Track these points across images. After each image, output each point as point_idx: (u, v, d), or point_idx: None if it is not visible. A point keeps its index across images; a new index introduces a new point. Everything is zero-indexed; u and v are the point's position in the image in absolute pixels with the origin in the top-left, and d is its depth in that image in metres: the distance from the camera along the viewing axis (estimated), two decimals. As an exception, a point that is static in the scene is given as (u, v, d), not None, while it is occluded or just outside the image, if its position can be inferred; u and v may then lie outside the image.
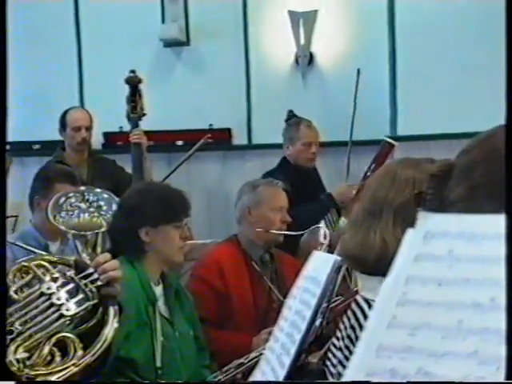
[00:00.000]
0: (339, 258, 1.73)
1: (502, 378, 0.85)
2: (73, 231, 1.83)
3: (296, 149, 4.84)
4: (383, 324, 0.95)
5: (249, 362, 2.97)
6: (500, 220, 0.92)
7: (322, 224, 4.48)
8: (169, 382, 2.81)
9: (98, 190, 1.97)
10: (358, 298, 1.78)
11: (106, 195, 1.94)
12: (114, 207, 1.92)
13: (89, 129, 4.94)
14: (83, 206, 1.89)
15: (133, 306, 2.76)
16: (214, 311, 3.35)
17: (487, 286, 0.90)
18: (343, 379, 0.96)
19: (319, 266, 1.81)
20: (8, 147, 5.38)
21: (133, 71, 4.70)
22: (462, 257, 0.95)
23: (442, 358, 0.89)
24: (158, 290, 2.95)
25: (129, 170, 4.74)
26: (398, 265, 1.00)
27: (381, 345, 0.94)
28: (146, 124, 4.77)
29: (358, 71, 4.85)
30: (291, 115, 5.13)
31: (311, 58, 5.68)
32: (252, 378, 1.84)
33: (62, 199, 1.89)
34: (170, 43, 5.84)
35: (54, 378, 1.56)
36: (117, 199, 1.99)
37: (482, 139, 1.21)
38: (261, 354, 2.93)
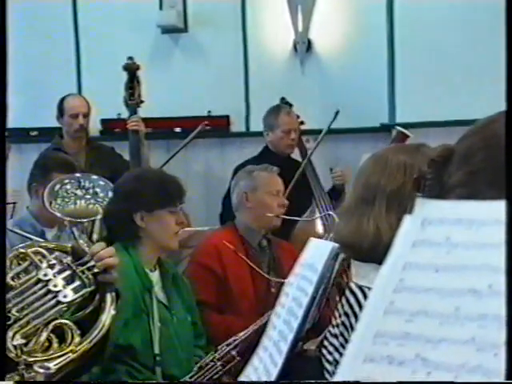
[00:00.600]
0: (336, 245, 1.73)
1: (499, 364, 0.84)
2: (69, 218, 1.83)
3: (276, 136, 4.84)
4: (380, 310, 0.95)
5: (243, 337, 2.97)
6: (497, 206, 0.92)
7: (317, 213, 4.50)
8: (167, 382, 2.81)
9: (94, 177, 1.96)
10: (352, 284, 1.78)
11: (102, 182, 1.94)
12: (110, 194, 1.92)
13: (86, 115, 4.92)
14: (79, 192, 1.89)
15: (129, 293, 2.76)
16: (214, 295, 3.35)
17: (485, 273, 0.90)
18: (340, 366, 0.95)
19: (316, 253, 1.81)
20: (6, 134, 5.39)
21: (131, 58, 4.68)
22: (459, 243, 0.94)
23: (440, 345, 0.89)
24: (155, 276, 2.96)
25: (127, 156, 4.73)
26: (395, 251, 0.99)
27: (378, 331, 0.94)
28: (144, 111, 4.76)
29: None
30: (284, 102, 5.13)
31: (309, 45, 5.67)
32: (250, 364, 1.84)
33: (58, 186, 1.88)
34: (167, 30, 5.81)
35: (51, 365, 1.57)
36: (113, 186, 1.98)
37: (483, 125, 1.20)
38: (254, 331, 2.95)
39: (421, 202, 1.01)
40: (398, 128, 4.15)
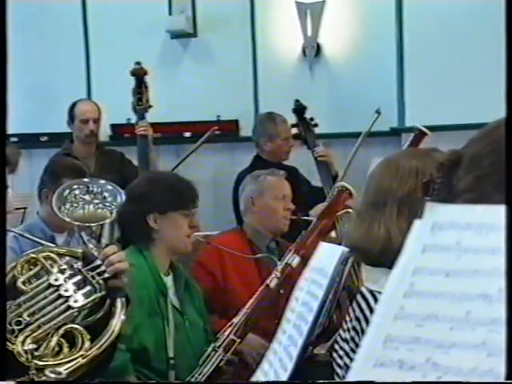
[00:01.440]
0: (346, 250, 1.73)
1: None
2: (77, 223, 1.83)
3: (276, 145, 4.85)
4: (390, 315, 0.95)
5: (239, 321, 2.96)
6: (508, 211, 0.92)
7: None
8: (166, 382, 2.81)
9: (102, 182, 1.97)
10: (363, 289, 1.78)
11: (109, 187, 1.94)
12: (119, 199, 1.92)
13: (97, 121, 4.93)
14: (87, 197, 1.90)
15: (144, 296, 2.77)
16: (209, 296, 3.32)
17: (495, 277, 0.90)
18: (351, 370, 0.95)
19: (326, 257, 1.81)
20: (16, 139, 5.41)
21: (138, 63, 4.69)
22: (469, 248, 0.94)
23: (450, 349, 0.89)
24: (169, 280, 2.96)
25: (136, 161, 4.74)
26: (405, 256, 0.99)
27: (388, 336, 0.94)
28: (153, 116, 4.77)
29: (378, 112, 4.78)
30: (298, 104, 5.11)
31: (318, 50, 5.67)
32: (259, 369, 1.84)
33: (67, 191, 1.89)
34: (177, 35, 5.83)
35: (62, 369, 1.57)
36: (121, 191, 1.98)
37: (491, 129, 1.20)
38: (248, 314, 2.95)
39: (431, 206, 1.01)
40: (417, 126, 4.13)
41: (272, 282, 3.06)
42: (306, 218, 3.88)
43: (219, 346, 2.92)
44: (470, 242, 0.94)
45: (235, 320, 2.98)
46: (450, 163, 1.19)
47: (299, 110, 5.02)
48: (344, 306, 2.97)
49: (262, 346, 2.92)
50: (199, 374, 2.86)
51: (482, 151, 1.16)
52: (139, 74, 4.65)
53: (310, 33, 5.63)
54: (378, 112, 4.64)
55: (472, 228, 0.95)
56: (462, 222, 0.96)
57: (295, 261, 3.07)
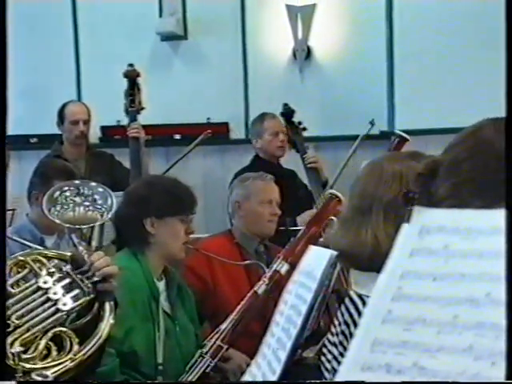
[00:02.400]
0: (335, 253, 1.73)
1: (497, 373, 0.85)
2: (68, 225, 1.83)
3: (264, 140, 4.86)
4: (378, 319, 0.95)
5: (226, 327, 2.96)
6: (495, 215, 0.92)
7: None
8: (166, 382, 2.81)
9: (93, 184, 1.97)
10: (352, 293, 1.78)
11: (100, 189, 1.94)
12: (109, 201, 1.92)
13: (87, 122, 4.91)
14: (78, 199, 1.89)
15: (137, 299, 2.76)
16: (199, 300, 3.31)
17: (483, 281, 0.90)
18: (338, 374, 0.95)
19: (315, 260, 1.81)
20: (6, 141, 5.38)
21: (131, 65, 4.68)
22: (457, 252, 0.95)
23: (438, 353, 0.89)
24: (161, 285, 2.95)
25: (126, 163, 4.73)
26: (393, 260, 1.00)
27: (376, 339, 0.94)
28: (143, 118, 4.76)
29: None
30: (287, 108, 5.12)
31: (309, 52, 5.68)
32: (248, 372, 1.84)
33: (57, 193, 1.89)
34: (167, 37, 5.82)
35: (49, 373, 1.56)
36: (112, 193, 1.98)
37: (467, 134, 1.20)
38: (236, 320, 2.95)
39: (418, 210, 1.01)
40: (397, 132, 4.15)
41: (260, 288, 3.05)
42: (294, 228, 3.88)
43: (206, 353, 2.92)
44: (457, 246, 0.95)
45: (222, 326, 2.97)
46: (427, 172, 1.19)
47: (287, 113, 5.02)
48: (333, 309, 2.97)
49: (246, 362, 2.93)
50: (186, 380, 2.85)
51: (458, 157, 1.16)
52: (132, 76, 4.64)
53: (300, 35, 5.64)
54: (372, 123, 4.64)
55: (460, 232, 0.95)
56: (449, 226, 0.97)
57: (284, 268, 3.06)
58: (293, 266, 2.81)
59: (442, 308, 0.92)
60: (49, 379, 1.54)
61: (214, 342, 2.92)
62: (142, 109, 4.67)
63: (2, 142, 1.66)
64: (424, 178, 1.18)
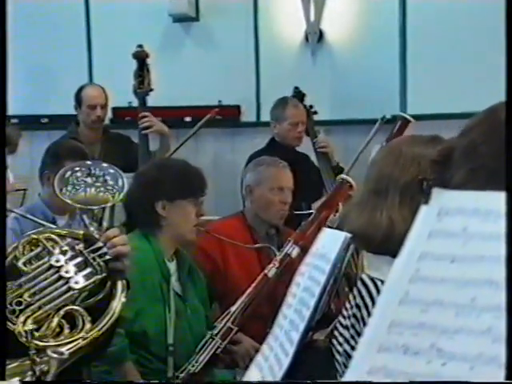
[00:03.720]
0: (349, 235, 1.72)
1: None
2: (79, 205, 1.83)
3: (283, 128, 4.83)
4: (395, 300, 0.95)
5: (236, 310, 2.97)
6: (516, 197, 0.91)
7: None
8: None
9: (104, 165, 1.96)
10: (364, 276, 1.77)
11: (111, 170, 1.94)
12: (120, 182, 1.92)
13: (104, 107, 4.91)
14: (89, 180, 1.89)
15: (148, 280, 2.77)
16: (209, 281, 3.32)
17: (501, 264, 0.90)
18: (355, 354, 0.95)
19: (329, 242, 1.80)
20: (16, 120, 5.38)
21: (140, 45, 4.67)
22: (476, 234, 0.94)
23: (455, 335, 0.88)
24: (172, 266, 2.96)
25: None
26: (411, 241, 0.99)
27: (393, 321, 0.94)
28: (154, 100, 4.75)
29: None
30: (297, 91, 5.10)
31: (321, 35, 5.65)
32: (260, 353, 1.84)
33: (69, 173, 1.89)
34: (179, 18, 5.80)
35: (64, 349, 1.57)
36: (123, 174, 1.98)
37: (482, 118, 1.19)
38: (246, 302, 2.96)
39: (437, 192, 1.00)
40: (401, 114, 4.14)
41: (271, 271, 3.06)
42: (309, 212, 3.85)
43: (216, 334, 2.93)
44: (476, 228, 0.94)
45: (233, 308, 2.99)
46: (442, 159, 1.18)
47: (298, 97, 5.01)
48: (342, 292, 2.98)
49: (254, 347, 2.94)
50: (196, 362, 2.87)
51: (474, 142, 1.15)
52: (141, 57, 4.63)
53: (312, 18, 5.61)
54: (383, 119, 4.59)
55: (479, 214, 0.94)
56: (469, 207, 0.96)
57: (294, 251, 3.07)
58: (304, 250, 2.82)
59: (460, 290, 0.91)
60: (64, 356, 1.54)
61: (225, 324, 2.93)
62: (151, 90, 4.65)
63: (1, 120, 1.65)
64: (438, 165, 1.17)
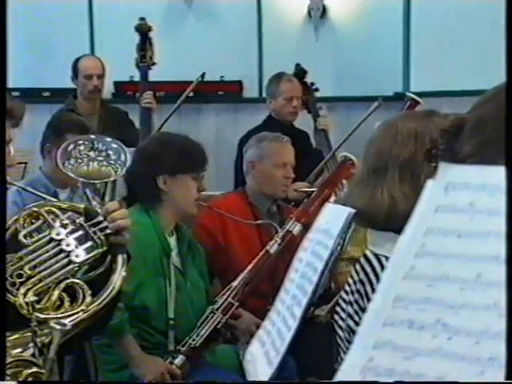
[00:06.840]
0: (353, 211, 1.71)
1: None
2: (82, 179, 1.82)
3: (278, 103, 4.78)
4: (400, 275, 0.94)
5: (238, 284, 2.98)
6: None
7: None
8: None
9: (108, 139, 1.95)
10: (368, 252, 1.77)
11: (114, 145, 1.92)
12: (123, 157, 1.90)
13: (101, 77, 4.89)
14: (92, 154, 1.88)
15: (148, 254, 2.78)
16: (210, 257, 3.32)
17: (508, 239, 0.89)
18: (360, 329, 0.94)
19: (332, 218, 1.79)
20: (17, 93, 5.35)
21: (142, 18, 4.64)
22: (483, 209, 0.93)
23: (461, 310, 0.88)
24: (172, 240, 2.96)
25: (137, 121, 4.72)
26: (417, 216, 0.98)
27: (398, 295, 0.93)
28: (156, 74, 4.73)
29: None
30: (299, 69, 5.07)
31: (324, 11, 5.62)
32: (262, 328, 1.84)
33: (71, 146, 1.88)
34: (182, -7, 5.77)
35: (67, 321, 1.57)
36: (126, 149, 1.96)
37: (494, 94, 1.19)
38: (247, 278, 2.96)
39: (444, 166, 0.99)
40: (409, 94, 4.12)
41: (272, 248, 3.06)
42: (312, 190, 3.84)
43: (217, 309, 2.94)
44: (483, 204, 0.93)
45: (234, 284, 2.99)
46: (453, 129, 1.18)
47: (299, 74, 4.98)
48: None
49: (255, 323, 2.94)
50: (197, 336, 2.88)
51: (485, 116, 1.15)
52: (143, 30, 4.61)
53: (316, -7, 5.58)
54: (379, 103, 4.53)
55: (486, 189, 0.93)
56: (476, 182, 0.95)
57: (296, 228, 3.07)
58: (305, 227, 2.81)
59: (466, 265, 0.90)
60: (67, 328, 1.54)
61: (226, 299, 2.94)
62: (154, 64, 4.63)
63: (1, 93, 1.64)
64: (449, 135, 1.17)
